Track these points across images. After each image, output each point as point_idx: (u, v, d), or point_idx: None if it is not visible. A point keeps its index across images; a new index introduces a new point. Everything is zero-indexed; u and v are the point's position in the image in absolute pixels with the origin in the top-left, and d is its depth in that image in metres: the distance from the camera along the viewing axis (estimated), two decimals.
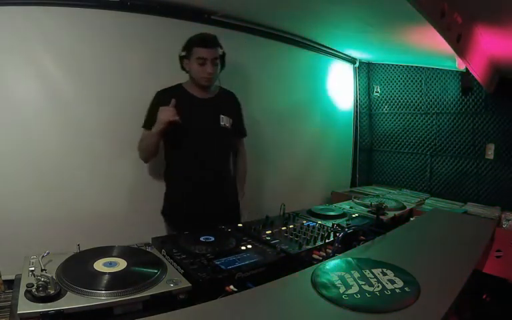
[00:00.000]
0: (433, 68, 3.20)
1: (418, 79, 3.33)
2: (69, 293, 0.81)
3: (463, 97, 3.02)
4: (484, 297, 1.27)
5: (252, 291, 0.90)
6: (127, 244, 1.15)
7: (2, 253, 1.48)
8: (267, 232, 1.38)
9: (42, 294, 0.78)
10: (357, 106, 3.63)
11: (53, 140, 1.81)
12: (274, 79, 2.74)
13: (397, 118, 3.53)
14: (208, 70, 1.70)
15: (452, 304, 0.81)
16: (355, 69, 3.56)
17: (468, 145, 3.03)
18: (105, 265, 0.96)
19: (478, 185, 2.99)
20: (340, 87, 3.39)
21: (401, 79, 3.45)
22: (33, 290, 0.78)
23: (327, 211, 1.73)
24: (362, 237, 1.34)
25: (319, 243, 1.29)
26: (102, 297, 0.82)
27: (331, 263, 1.02)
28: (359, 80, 3.61)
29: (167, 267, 1.01)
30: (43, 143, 1.79)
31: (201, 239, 1.25)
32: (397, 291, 0.85)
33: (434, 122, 3.25)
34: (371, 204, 1.85)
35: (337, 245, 1.24)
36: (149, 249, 1.16)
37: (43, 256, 0.97)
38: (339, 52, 3.27)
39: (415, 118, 3.39)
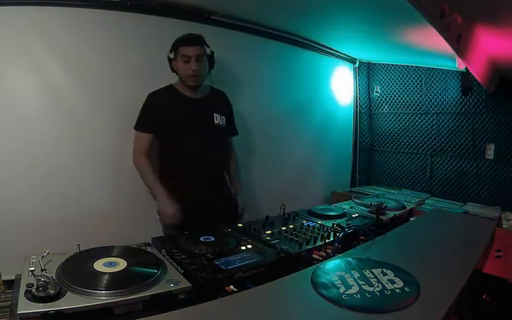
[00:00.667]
0: (433, 68, 3.20)
1: (418, 78, 3.33)
2: (68, 293, 0.81)
3: (463, 96, 3.02)
4: (484, 297, 1.27)
5: (252, 290, 0.90)
6: (126, 244, 1.15)
7: (2, 253, 1.48)
8: (267, 232, 1.38)
9: (42, 294, 0.77)
10: (356, 106, 3.63)
11: (53, 140, 1.81)
12: (274, 79, 2.74)
13: (396, 118, 3.53)
14: (192, 67, 1.70)
15: (452, 304, 0.81)
16: (354, 69, 3.57)
17: (468, 144, 3.04)
18: (104, 265, 0.96)
19: (478, 185, 2.99)
20: (340, 86, 3.39)
21: (401, 78, 3.45)
22: (33, 290, 0.78)
23: (326, 211, 1.73)
24: (362, 237, 1.34)
25: (319, 243, 1.29)
26: (102, 297, 0.82)
27: (331, 263, 1.02)
28: (358, 80, 3.61)
29: (167, 266, 1.01)
30: (43, 143, 1.79)
31: (201, 239, 1.24)
32: (397, 290, 0.85)
33: (434, 122, 3.25)
34: (371, 204, 1.85)
35: (336, 245, 1.24)
36: (149, 249, 1.16)
37: (43, 256, 0.97)
38: (339, 52, 3.27)
39: (414, 118, 3.39)
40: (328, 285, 0.87)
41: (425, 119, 3.32)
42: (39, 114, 1.78)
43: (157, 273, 0.94)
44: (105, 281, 0.88)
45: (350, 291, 0.84)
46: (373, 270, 0.96)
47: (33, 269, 0.90)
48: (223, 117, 1.85)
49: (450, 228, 1.61)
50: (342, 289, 0.85)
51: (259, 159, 2.59)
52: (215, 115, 1.83)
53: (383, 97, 3.61)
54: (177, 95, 1.79)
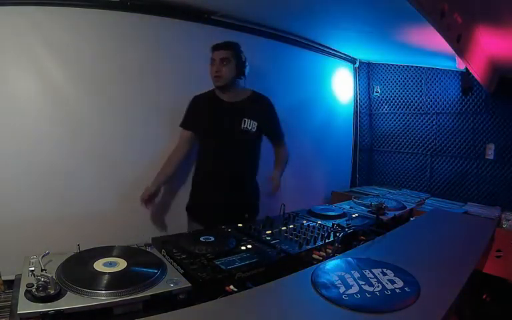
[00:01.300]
0: (433, 68, 3.19)
1: (418, 78, 3.33)
2: (68, 293, 0.81)
3: (463, 96, 3.02)
4: (484, 297, 1.27)
5: (252, 290, 0.90)
6: (127, 244, 1.15)
7: (2, 253, 1.48)
8: (267, 232, 1.38)
9: (42, 294, 0.77)
10: (356, 106, 3.63)
11: (52, 140, 1.81)
12: (274, 79, 2.74)
13: (397, 118, 3.53)
14: (214, 68, 1.83)
15: (452, 304, 0.81)
16: (354, 68, 3.56)
17: (468, 144, 3.03)
18: (104, 265, 0.96)
19: (478, 185, 2.99)
20: (340, 87, 3.38)
21: (401, 78, 3.45)
22: (33, 290, 0.78)
23: (327, 211, 1.73)
24: (362, 237, 1.34)
25: (319, 243, 1.28)
26: (102, 297, 0.81)
27: (331, 263, 1.02)
28: (358, 80, 3.61)
29: (167, 266, 1.01)
30: (43, 143, 1.79)
31: (201, 239, 1.24)
32: (397, 290, 0.85)
33: (434, 122, 3.25)
34: (371, 204, 1.84)
35: (337, 245, 1.24)
36: (149, 249, 1.16)
37: (43, 256, 0.97)
38: (339, 52, 3.27)
39: (415, 118, 3.39)
40: (328, 284, 0.87)
41: (425, 119, 3.31)
42: (39, 114, 1.78)
43: (156, 273, 0.94)
44: (105, 281, 0.88)
45: (350, 291, 0.84)
46: (373, 270, 0.96)
47: (33, 269, 0.90)
48: (255, 122, 1.89)
49: (450, 228, 1.61)
50: (342, 289, 0.85)
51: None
52: (244, 119, 1.88)
53: (383, 97, 3.61)
54: (214, 99, 1.92)
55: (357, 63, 3.53)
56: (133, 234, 1.38)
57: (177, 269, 1.01)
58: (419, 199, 2.53)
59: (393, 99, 3.53)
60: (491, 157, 2.89)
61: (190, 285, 0.92)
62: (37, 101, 1.77)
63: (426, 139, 3.32)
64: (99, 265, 0.96)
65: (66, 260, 0.98)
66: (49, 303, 0.77)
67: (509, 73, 2.66)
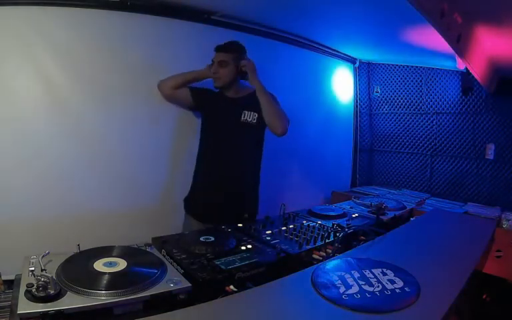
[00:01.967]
0: (433, 68, 3.19)
1: (418, 79, 3.33)
2: (68, 293, 0.81)
3: (463, 96, 3.02)
4: (484, 297, 1.27)
5: (252, 290, 0.90)
6: (127, 244, 1.15)
7: (2, 253, 1.48)
8: (267, 232, 1.38)
9: (42, 294, 0.77)
10: (357, 106, 3.62)
11: (52, 140, 1.81)
12: (274, 79, 2.73)
13: (397, 118, 3.53)
14: (212, 69, 1.90)
15: (452, 304, 0.81)
16: (355, 68, 3.56)
17: (468, 144, 3.03)
18: (104, 265, 0.96)
19: (478, 185, 2.98)
20: (340, 87, 3.38)
21: (401, 78, 3.45)
22: (33, 290, 0.78)
23: (327, 211, 1.73)
24: (362, 237, 1.34)
25: (319, 243, 1.29)
26: (102, 297, 0.82)
27: (331, 263, 1.02)
28: (359, 80, 3.61)
29: (167, 267, 1.01)
30: (43, 143, 1.78)
31: (201, 239, 1.24)
32: (397, 290, 0.85)
33: (434, 122, 3.25)
34: (371, 204, 1.85)
35: (337, 245, 1.24)
36: (148, 249, 1.16)
37: (43, 256, 0.97)
38: (339, 52, 3.26)
39: (415, 118, 3.39)
40: (328, 284, 0.87)
41: (425, 119, 3.31)
42: (39, 114, 1.77)
43: (156, 273, 0.94)
44: (105, 281, 0.88)
45: (350, 291, 0.84)
46: (373, 270, 0.96)
47: (33, 269, 0.90)
48: (255, 114, 1.93)
49: (450, 228, 1.61)
50: (342, 289, 0.85)
51: None
52: (244, 112, 1.92)
53: (383, 96, 3.60)
54: (219, 95, 2.00)
55: (357, 63, 3.53)
56: (133, 234, 1.38)
57: (177, 269, 1.01)
58: (418, 199, 2.53)
59: (393, 98, 3.53)
60: (491, 157, 2.89)
61: (190, 285, 0.92)
62: (37, 100, 1.76)
63: (426, 139, 3.31)
64: (99, 265, 0.96)
65: (66, 260, 0.98)
66: (49, 303, 0.77)
67: (509, 73, 2.66)
